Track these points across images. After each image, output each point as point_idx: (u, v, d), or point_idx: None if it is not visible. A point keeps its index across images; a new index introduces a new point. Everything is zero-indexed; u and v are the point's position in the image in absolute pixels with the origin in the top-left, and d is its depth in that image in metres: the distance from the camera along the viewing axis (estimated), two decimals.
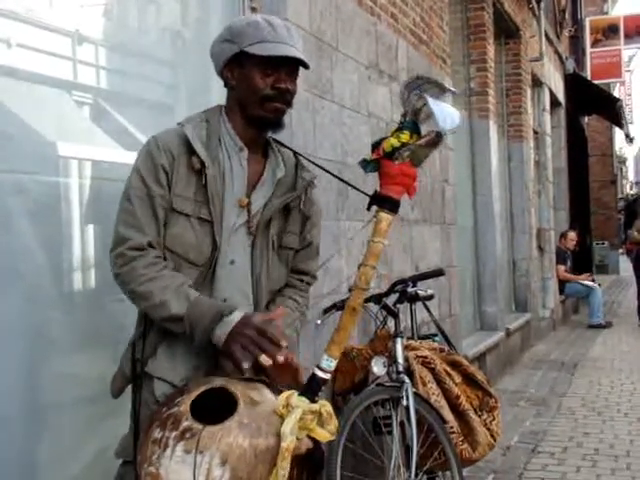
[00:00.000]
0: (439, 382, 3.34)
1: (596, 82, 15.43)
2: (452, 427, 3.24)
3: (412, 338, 3.80)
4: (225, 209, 1.92)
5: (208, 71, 2.04)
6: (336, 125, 3.82)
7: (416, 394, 3.10)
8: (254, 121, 1.96)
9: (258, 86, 1.91)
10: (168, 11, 3.24)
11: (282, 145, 2.11)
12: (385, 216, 2.02)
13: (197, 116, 1.99)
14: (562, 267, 11.06)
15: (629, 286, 17.58)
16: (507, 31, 8.83)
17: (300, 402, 1.75)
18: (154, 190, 1.86)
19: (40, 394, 2.43)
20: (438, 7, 5.68)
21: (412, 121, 2.07)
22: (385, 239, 2.02)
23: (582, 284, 11.18)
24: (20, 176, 2.34)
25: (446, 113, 2.02)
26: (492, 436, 3.43)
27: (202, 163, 1.88)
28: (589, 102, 13.96)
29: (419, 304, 3.90)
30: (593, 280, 11.60)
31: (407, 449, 3.02)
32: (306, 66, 1.96)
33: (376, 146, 2.09)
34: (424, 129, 2.10)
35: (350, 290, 2.08)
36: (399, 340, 3.26)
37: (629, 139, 19.30)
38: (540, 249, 10.02)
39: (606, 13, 21.81)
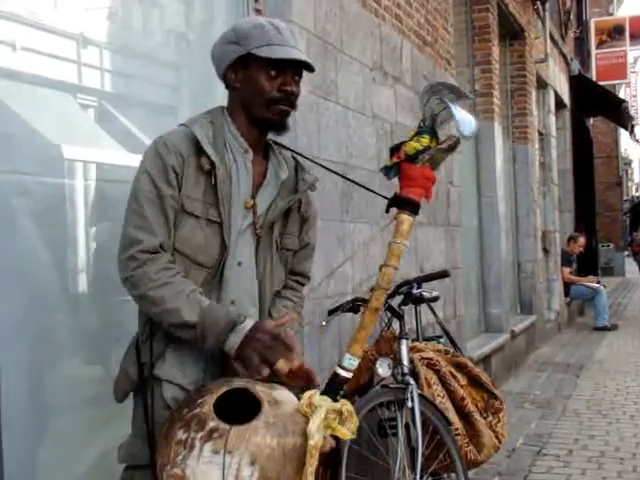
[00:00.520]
0: (444, 384, 3.33)
1: (601, 83, 15.41)
2: (457, 429, 3.23)
3: (417, 340, 3.79)
4: (232, 211, 1.92)
5: (212, 73, 2.04)
6: (340, 126, 3.82)
7: (421, 396, 3.09)
8: (259, 123, 1.96)
9: (264, 88, 1.91)
10: (172, 13, 3.24)
11: (282, 147, 2.11)
12: (407, 218, 2.06)
13: (201, 117, 1.98)
14: (567, 269, 11.04)
15: (635, 288, 17.59)
16: (512, 32, 8.82)
17: (322, 401, 1.77)
18: (164, 191, 1.85)
19: (44, 396, 2.43)
20: (442, 8, 5.68)
21: (430, 125, 2.12)
22: (407, 240, 2.06)
23: (587, 286, 11.15)
24: (25, 178, 2.34)
25: (465, 119, 2.08)
26: (497, 438, 3.42)
27: (212, 164, 1.88)
28: (594, 103, 13.93)
29: (424, 306, 3.89)
30: (599, 282, 11.58)
31: (412, 451, 3.01)
32: (311, 69, 1.96)
33: (395, 150, 2.13)
34: (441, 134, 2.15)
35: (372, 290, 2.11)
36: (404, 342, 3.25)
37: (634, 138, 19.25)
38: (545, 251, 10.01)
39: (611, 14, 21.78)
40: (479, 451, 3.30)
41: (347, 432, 1.78)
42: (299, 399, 1.79)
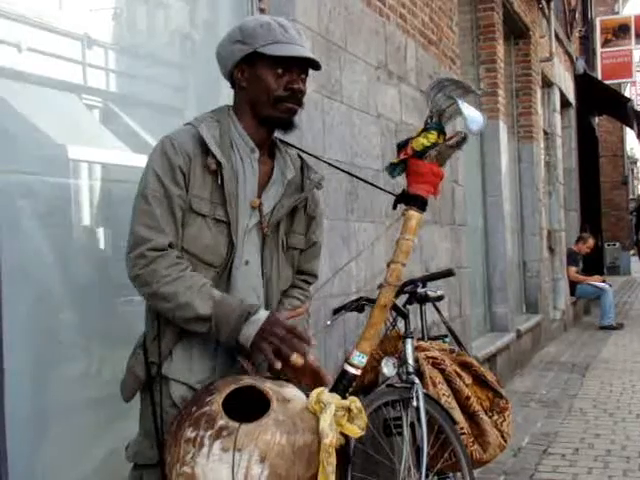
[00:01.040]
0: (449, 383, 3.33)
1: (607, 82, 15.37)
2: (462, 428, 3.23)
3: (422, 339, 3.79)
4: (239, 210, 1.93)
5: (217, 73, 2.04)
6: (345, 126, 3.82)
7: (426, 395, 3.09)
8: (266, 121, 1.96)
9: (271, 87, 1.91)
10: (177, 14, 3.25)
11: (288, 145, 2.11)
12: (415, 214, 2.06)
13: (207, 116, 1.98)
14: (573, 268, 11.01)
15: None
16: (517, 31, 8.81)
17: (331, 398, 1.77)
18: (172, 190, 1.85)
19: (49, 396, 2.43)
20: (447, 7, 5.67)
21: (437, 122, 2.11)
22: (415, 236, 2.06)
23: (593, 285, 11.13)
24: (30, 178, 2.35)
25: (474, 115, 2.07)
26: (503, 437, 3.41)
27: (218, 163, 1.88)
28: (600, 102, 13.91)
29: (429, 305, 3.89)
30: (604, 281, 11.55)
31: (417, 450, 3.01)
32: (318, 67, 1.96)
33: (402, 146, 2.12)
34: (448, 130, 2.14)
35: (381, 287, 2.10)
36: (409, 341, 3.25)
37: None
38: (551, 250, 9.99)
39: (617, 13, 21.71)
40: (484, 450, 3.30)
41: (356, 429, 1.78)
42: (307, 397, 1.79)
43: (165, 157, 1.87)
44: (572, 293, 11.05)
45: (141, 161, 1.97)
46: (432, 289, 3.72)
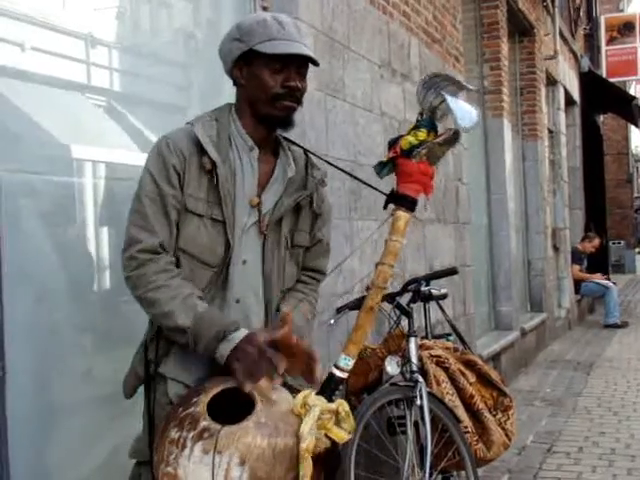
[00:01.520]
0: (453, 381, 3.33)
1: (611, 80, 15.32)
2: (466, 427, 3.22)
3: (426, 337, 3.79)
4: (237, 209, 1.92)
5: (220, 72, 2.04)
6: (348, 124, 3.81)
7: (430, 394, 3.09)
8: (264, 120, 1.95)
9: (268, 84, 1.90)
10: (179, 13, 3.25)
11: (293, 143, 2.10)
12: (403, 215, 2.02)
13: (207, 115, 1.98)
14: (577, 267, 10.99)
15: None
16: (521, 29, 8.79)
17: (318, 401, 1.75)
18: (165, 190, 1.86)
19: (53, 394, 2.44)
20: (451, 5, 5.66)
21: (429, 119, 2.07)
22: (403, 238, 2.02)
23: (598, 283, 11.11)
24: (33, 177, 2.35)
25: (465, 111, 2.03)
26: (507, 436, 3.41)
27: (213, 163, 1.88)
28: (604, 100, 13.85)
29: (433, 303, 3.88)
30: (608, 279, 11.53)
31: (421, 449, 3.00)
32: (315, 63, 1.95)
33: (392, 144, 2.08)
34: (441, 127, 2.10)
35: (368, 289, 2.07)
36: (413, 339, 3.25)
37: None
38: (555, 248, 9.97)
39: (622, 11, 21.64)
40: (488, 449, 3.30)
41: (343, 433, 1.76)
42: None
43: (160, 157, 1.88)
44: (576, 291, 11.03)
45: (144, 160, 1.97)
46: (436, 287, 3.72)
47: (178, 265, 1.90)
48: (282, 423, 1.70)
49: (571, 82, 11.83)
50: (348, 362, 1.93)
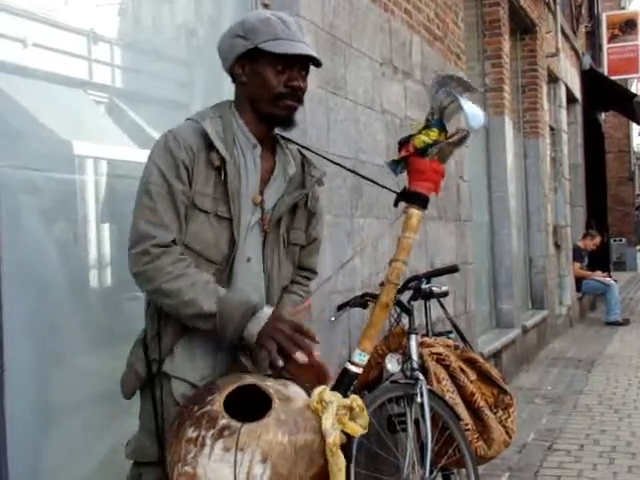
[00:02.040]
0: (454, 379, 3.33)
1: (613, 78, 15.30)
2: (467, 424, 3.23)
3: (427, 335, 3.79)
4: (242, 206, 1.92)
5: (221, 68, 2.04)
6: (350, 122, 3.81)
7: (431, 391, 3.09)
8: (266, 118, 1.95)
9: (271, 84, 1.90)
10: (181, 9, 3.25)
11: (289, 141, 2.10)
12: (416, 212, 2.06)
13: (209, 111, 1.97)
14: (577, 264, 11.00)
15: None
16: (523, 27, 8.78)
17: (333, 397, 1.76)
18: (175, 186, 1.84)
19: (52, 392, 2.43)
20: (453, 3, 5.65)
21: (439, 119, 2.11)
22: (416, 234, 2.05)
23: (599, 281, 11.11)
24: (35, 173, 2.35)
25: (474, 112, 2.07)
26: (507, 433, 3.41)
27: (222, 159, 1.87)
28: (606, 98, 13.84)
29: (434, 301, 3.88)
30: (609, 277, 11.53)
31: (422, 446, 3.00)
32: (318, 64, 1.95)
33: (403, 144, 2.11)
34: (449, 127, 2.13)
35: (382, 285, 2.10)
36: (413, 337, 3.25)
37: None
38: (557, 246, 9.97)
39: (623, 8, 21.61)
40: (489, 446, 3.30)
41: (358, 428, 1.77)
42: (309, 395, 1.78)
43: (169, 152, 1.86)
44: (578, 289, 11.04)
45: (146, 157, 1.96)
46: (437, 285, 3.72)
47: None
48: (301, 419, 1.71)
49: (572, 80, 11.82)
50: (363, 358, 1.96)
